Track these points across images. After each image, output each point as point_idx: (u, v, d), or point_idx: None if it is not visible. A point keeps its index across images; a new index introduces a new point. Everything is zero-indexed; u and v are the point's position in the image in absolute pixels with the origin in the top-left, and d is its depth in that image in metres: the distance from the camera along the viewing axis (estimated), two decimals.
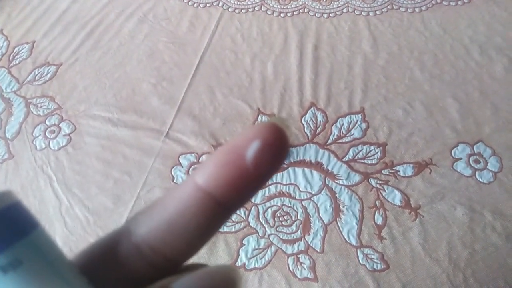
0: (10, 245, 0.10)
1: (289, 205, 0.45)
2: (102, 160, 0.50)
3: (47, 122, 0.55)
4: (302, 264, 0.41)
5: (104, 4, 0.70)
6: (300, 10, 0.65)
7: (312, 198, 0.45)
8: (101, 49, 0.63)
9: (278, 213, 0.45)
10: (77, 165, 0.50)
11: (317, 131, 0.50)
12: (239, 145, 0.12)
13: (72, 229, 0.45)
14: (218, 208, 0.12)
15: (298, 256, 0.42)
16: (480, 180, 0.45)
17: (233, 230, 0.44)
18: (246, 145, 0.12)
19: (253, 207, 0.45)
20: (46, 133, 0.54)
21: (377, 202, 0.44)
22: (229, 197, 0.12)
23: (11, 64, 0.63)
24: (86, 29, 0.66)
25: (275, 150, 0.12)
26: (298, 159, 0.48)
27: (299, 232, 0.43)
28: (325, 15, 0.63)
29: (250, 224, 0.44)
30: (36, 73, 0.61)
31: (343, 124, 0.50)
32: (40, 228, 0.11)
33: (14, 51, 0.65)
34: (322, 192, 0.45)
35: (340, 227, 0.43)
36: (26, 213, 0.11)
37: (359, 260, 0.41)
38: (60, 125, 0.54)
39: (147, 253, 0.12)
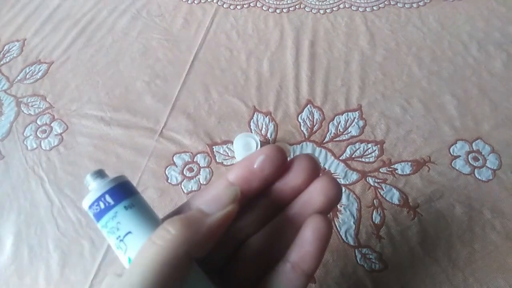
0: (129, 196, 0.22)
1: None
2: (95, 160, 0.49)
3: (38, 122, 0.54)
4: None
5: (97, 0, 0.69)
6: (296, 6, 0.64)
7: None
8: (94, 46, 0.62)
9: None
10: (69, 165, 0.49)
11: (314, 129, 0.49)
12: (254, 157, 0.22)
13: (64, 231, 0.44)
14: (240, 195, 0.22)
15: None
16: (479, 178, 0.44)
17: None
18: (256, 157, 0.22)
19: None
20: (37, 133, 0.53)
21: (375, 201, 0.43)
22: (246, 189, 0.22)
23: (1, 63, 0.62)
24: (78, 27, 0.65)
25: (274, 161, 0.22)
26: None
27: None
28: (322, 11, 0.62)
29: None
30: (27, 71, 0.60)
31: (340, 121, 0.50)
32: (140, 194, 0.23)
33: (4, 49, 0.64)
34: None
35: (337, 227, 0.42)
36: (133, 186, 0.23)
37: (357, 260, 0.40)
38: (52, 124, 0.53)
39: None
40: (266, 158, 0.22)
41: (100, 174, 0.23)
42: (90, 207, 0.22)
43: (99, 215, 0.22)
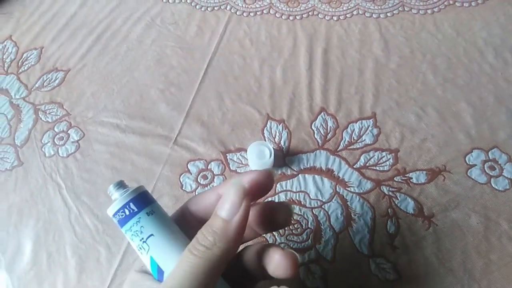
0: (149, 204, 0.26)
1: (300, 213, 0.44)
2: (111, 167, 0.50)
3: (55, 129, 0.55)
4: (313, 274, 0.40)
5: (112, 8, 0.70)
6: (309, 13, 0.64)
7: (323, 206, 0.44)
8: (109, 54, 0.63)
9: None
10: (85, 172, 0.50)
11: (328, 137, 0.49)
12: (245, 176, 0.25)
13: (81, 238, 0.45)
14: None
15: (309, 265, 0.41)
16: (496, 187, 0.44)
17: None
18: (248, 176, 0.25)
19: None
20: (55, 140, 0.54)
21: (389, 210, 0.43)
22: None
23: (20, 70, 0.63)
24: (94, 35, 0.66)
25: (261, 181, 0.25)
26: (308, 166, 0.47)
27: (309, 240, 0.42)
28: (335, 18, 0.62)
29: None
30: (45, 79, 0.61)
31: (354, 129, 0.49)
32: (157, 202, 0.27)
33: (23, 57, 0.65)
34: (333, 200, 0.44)
35: (351, 236, 0.42)
36: (151, 195, 0.27)
37: (371, 270, 0.40)
38: (69, 131, 0.54)
39: (194, 217, 0.29)
40: (255, 179, 0.26)
41: (121, 185, 0.27)
42: (115, 214, 0.26)
43: (124, 221, 0.25)
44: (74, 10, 0.71)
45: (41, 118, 0.56)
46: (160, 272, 0.24)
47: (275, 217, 0.28)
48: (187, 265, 0.22)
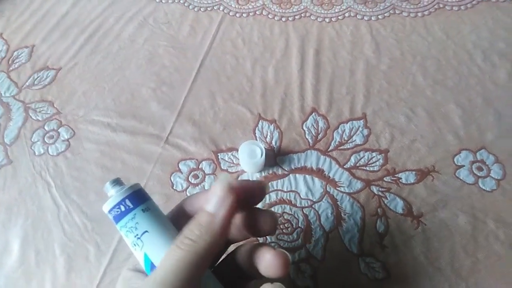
0: (145, 201, 0.26)
1: (290, 212, 0.44)
2: (101, 166, 0.50)
3: (46, 127, 0.54)
4: (303, 273, 0.41)
5: (104, 8, 0.69)
6: (302, 14, 0.64)
7: (313, 206, 0.44)
8: (101, 53, 0.63)
9: (278, 220, 0.44)
10: (75, 171, 0.50)
11: (319, 137, 0.49)
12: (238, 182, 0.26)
13: (70, 236, 0.45)
14: None
15: (299, 264, 0.41)
16: (483, 187, 0.44)
17: None
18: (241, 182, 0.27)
19: None
20: (45, 139, 0.53)
21: (379, 210, 0.44)
22: None
23: (10, 68, 0.63)
24: (86, 34, 0.66)
25: (252, 188, 0.27)
26: (299, 166, 0.47)
27: (300, 240, 0.43)
28: (327, 20, 0.63)
29: None
30: (35, 77, 0.61)
31: (344, 130, 0.50)
32: (152, 199, 0.27)
33: (13, 55, 0.64)
34: (324, 200, 0.45)
35: (341, 235, 0.42)
36: (146, 192, 0.28)
37: (360, 269, 0.40)
38: (59, 130, 0.54)
39: (189, 217, 0.26)
40: (245, 185, 0.27)
41: (117, 182, 0.28)
42: (111, 210, 0.26)
43: (119, 217, 0.26)
44: (66, 9, 0.71)
45: (31, 117, 0.56)
46: (153, 268, 0.24)
47: (262, 224, 0.28)
48: (172, 258, 0.22)
